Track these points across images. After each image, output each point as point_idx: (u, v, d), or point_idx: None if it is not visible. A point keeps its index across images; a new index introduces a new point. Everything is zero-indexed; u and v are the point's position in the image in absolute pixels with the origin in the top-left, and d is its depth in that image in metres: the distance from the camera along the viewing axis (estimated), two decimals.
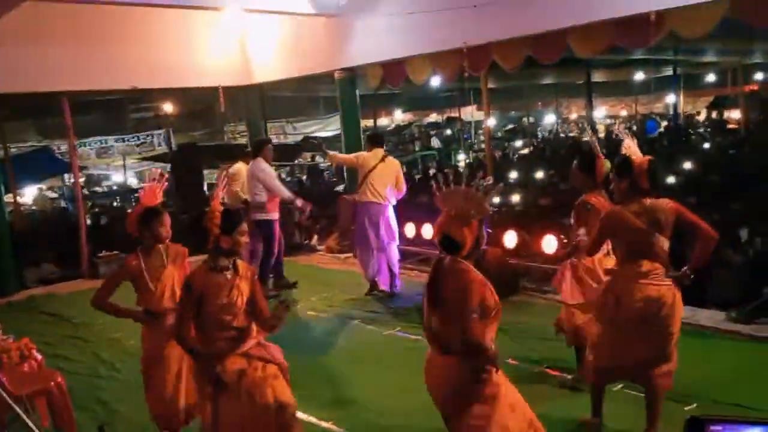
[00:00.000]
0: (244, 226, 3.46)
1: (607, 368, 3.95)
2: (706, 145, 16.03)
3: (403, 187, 7.47)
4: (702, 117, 24.63)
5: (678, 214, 3.74)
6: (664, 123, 21.90)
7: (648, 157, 3.89)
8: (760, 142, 13.97)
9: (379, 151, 7.32)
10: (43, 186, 18.83)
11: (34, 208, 16.53)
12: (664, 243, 3.78)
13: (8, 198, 11.62)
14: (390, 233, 7.43)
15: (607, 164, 4.40)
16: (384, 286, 7.53)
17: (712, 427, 0.70)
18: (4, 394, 3.17)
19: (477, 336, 2.91)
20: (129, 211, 4.27)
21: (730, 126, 20.32)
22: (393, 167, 7.35)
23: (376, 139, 7.57)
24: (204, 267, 3.39)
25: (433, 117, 28.91)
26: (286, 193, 7.87)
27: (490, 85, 13.85)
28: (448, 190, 3.11)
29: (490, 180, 3.12)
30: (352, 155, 7.63)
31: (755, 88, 19.56)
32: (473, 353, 2.94)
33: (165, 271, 4.01)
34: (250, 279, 3.47)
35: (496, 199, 8.41)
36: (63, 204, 16.16)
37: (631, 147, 3.97)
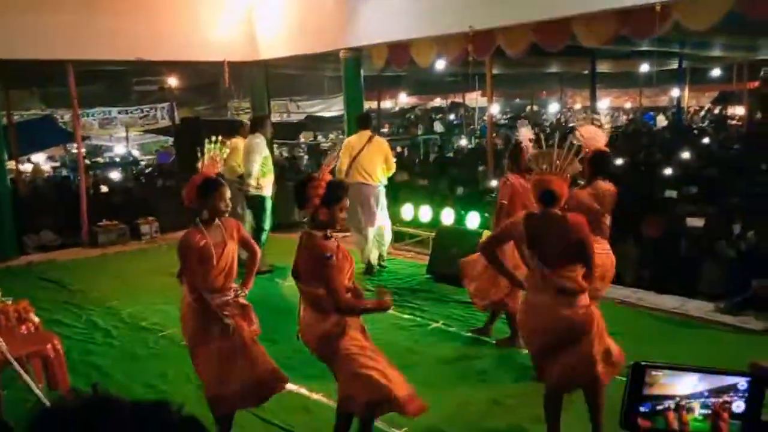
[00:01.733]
0: (346, 202, 3.37)
1: None
2: (709, 140, 16.05)
3: (393, 166, 7.56)
4: (701, 113, 24.60)
5: (615, 196, 4.59)
6: (660, 117, 22.03)
7: (596, 148, 4.68)
8: (757, 139, 13.99)
9: (366, 133, 7.39)
10: (39, 156, 18.86)
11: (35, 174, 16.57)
12: (608, 220, 4.62)
13: (10, 165, 11.67)
14: (382, 213, 7.54)
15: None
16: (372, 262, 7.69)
17: (653, 372, 0.76)
18: (5, 352, 3.24)
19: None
20: (194, 176, 3.92)
21: (733, 122, 20.32)
22: (381, 147, 7.42)
23: (362, 120, 7.64)
24: (322, 237, 3.29)
25: (437, 102, 28.84)
26: (253, 174, 7.54)
27: (495, 72, 13.83)
28: (541, 151, 3.56)
29: (577, 141, 3.75)
30: (343, 152, 7.40)
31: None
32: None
33: (226, 248, 3.75)
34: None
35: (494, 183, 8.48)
36: (64, 173, 16.19)
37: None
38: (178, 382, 4.96)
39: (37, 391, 3.12)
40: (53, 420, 0.78)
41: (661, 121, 21.75)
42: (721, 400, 0.77)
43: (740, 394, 0.77)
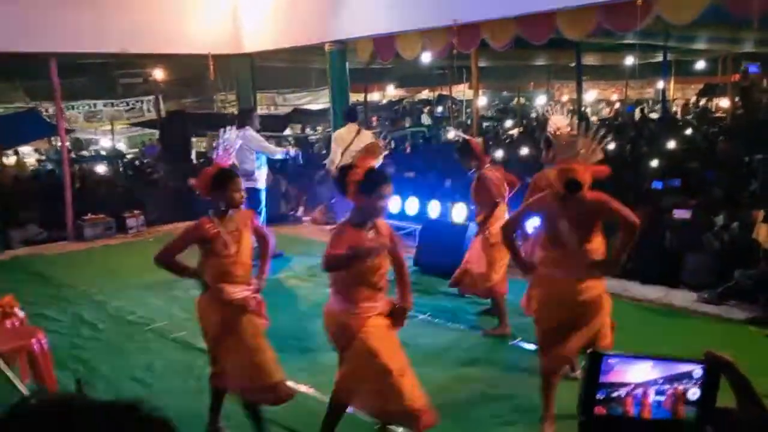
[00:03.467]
0: (387, 190, 3.37)
1: None
2: (693, 132, 16.17)
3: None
4: (678, 107, 24.82)
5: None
6: (637, 109, 22.38)
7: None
8: (737, 131, 14.14)
9: (353, 126, 7.66)
10: (26, 148, 18.72)
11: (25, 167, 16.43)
12: None
13: None
14: None
15: (480, 141, 5.39)
16: None
17: (609, 360, 0.79)
18: None
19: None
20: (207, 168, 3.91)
21: (718, 114, 20.49)
22: (367, 139, 7.60)
23: (350, 114, 7.85)
24: (352, 227, 3.37)
25: (425, 94, 28.82)
26: (278, 150, 8.04)
27: (483, 64, 13.87)
28: (565, 141, 3.68)
29: (602, 131, 3.72)
30: (335, 144, 7.79)
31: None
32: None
33: (242, 238, 3.73)
34: (391, 236, 3.55)
35: None
36: (50, 166, 16.06)
37: (558, 123, 4.92)
38: (165, 376, 4.97)
39: (21, 387, 3.11)
40: (15, 421, 0.75)
41: (638, 113, 21.94)
42: (676, 386, 0.80)
43: (695, 382, 0.79)
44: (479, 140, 5.40)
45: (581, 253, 3.67)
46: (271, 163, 8.44)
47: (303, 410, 4.35)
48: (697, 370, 0.79)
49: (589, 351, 0.81)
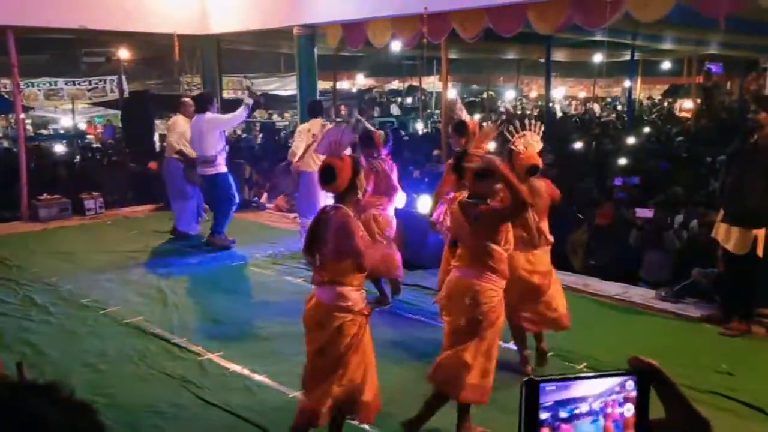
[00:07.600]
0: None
1: None
2: (658, 132, 16.41)
3: None
4: (653, 106, 25.21)
5: None
6: (595, 106, 22.73)
7: (476, 120, 5.58)
8: (703, 131, 14.39)
9: (318, 121, 7.32)
10: None
11: None
12: None
13: None
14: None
15: (383, 135, 5.96)
16: None
17: (546, 387, 0.71)
18: None
19: None
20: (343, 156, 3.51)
21: (682, 114, 20.84)
22: None
23: (314, 108, 7.52)
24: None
25: (395, 84, 28.72)
26: (241, 112, 7.63)
27: (452, 56, 13.81)
28: (527, 136, 4.30)
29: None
30: (300, 137, 7.42)
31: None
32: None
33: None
34: None
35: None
36: (5, 144, 15.58)
37: (464, 114, 5.54)
38: (117, 362, 4.84)
39: None
40: None
41: (595, 111, 22.23)
42: (613, 400, 0.72)
43: (628, 395, 0.72)
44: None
45: (538, 228, 4.34)
46: (236, 149, 8.25)
47: (258, 400, 4.28)
48: (629, 383, 0.72)
49: (524, 379, 0.73)
